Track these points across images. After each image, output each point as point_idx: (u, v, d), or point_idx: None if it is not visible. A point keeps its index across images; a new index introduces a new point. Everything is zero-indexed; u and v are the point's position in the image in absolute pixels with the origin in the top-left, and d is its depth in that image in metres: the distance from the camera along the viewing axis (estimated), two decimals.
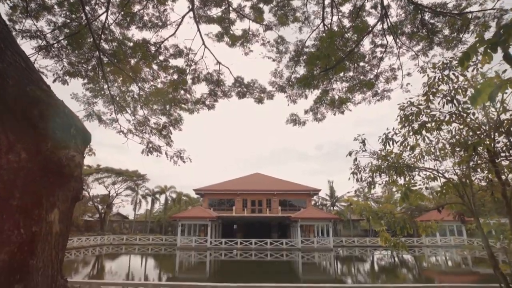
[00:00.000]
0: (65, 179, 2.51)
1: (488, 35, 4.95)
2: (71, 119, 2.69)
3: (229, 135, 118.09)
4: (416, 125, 5.52)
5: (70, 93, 6.15)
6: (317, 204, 53.68)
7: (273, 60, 8.38)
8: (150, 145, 7.11)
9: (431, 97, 5.59)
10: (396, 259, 29.37)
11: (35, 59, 5.22)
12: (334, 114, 7.12)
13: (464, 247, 35.91)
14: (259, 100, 9.02)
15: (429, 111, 5.67)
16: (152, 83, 6.88)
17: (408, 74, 6.84)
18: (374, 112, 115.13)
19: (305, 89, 6.95)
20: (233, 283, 8.90)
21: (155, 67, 8.10)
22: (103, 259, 28.30)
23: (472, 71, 4.94)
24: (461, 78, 5.01)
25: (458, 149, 5.50)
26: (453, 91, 5.15)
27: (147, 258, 29.51)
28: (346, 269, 23.68)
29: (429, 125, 5.40)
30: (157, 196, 56.08)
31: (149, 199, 55.22)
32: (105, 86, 6.22)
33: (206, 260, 27.50)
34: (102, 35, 6.04)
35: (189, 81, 8.77)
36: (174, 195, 57.32)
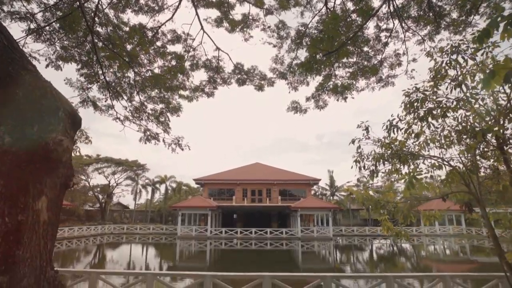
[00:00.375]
0: (53, 164, 2.36)
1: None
2: (59, 101, 2.52)
3: (229, 124, 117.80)
4: (421, 112, 5.34)
5: (63, 78, 5.93)
6: (317, 193, 53.86)
7: (274, 46, 8.14)
8: (148, 132, 6.94)
9: (438, 83, 5.41)
10: (395, 248, 29.58)
11: (25, 43, 5.02)
12: (338, 100, 6.92)
13: (463, 236, 36.17)
14: (259, 88, 8.81)
15: (435, 97, 5.50)
16: (148, 67, 6.65)
17: (414, 59, 6.63)
18: (375, 102, 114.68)
19: (307, 74, 6.74)
20: (232, 272, 8.87)
21: (152, 53, 7.87)
22: (104, 248, 28.48)
23: (482, 55, 4.74)
24: (470, 62, 4.81)
25: (464, 136, 5.35)
26: (460, 76, 4.96)
27: (148, 247, 29.71)
28: (345, 258, 23.84)
29: (435, 111, 5.23)
30: (157, 185, 56.24)
31: (149, 188, 55.39)
32: (100, 72, 6.01)
33: (206, 249, 27.68)
34: (96, 18, 5.80)
35: (188, 68, 8.56)
36: (174, 185, 57.49)
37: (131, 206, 57.53)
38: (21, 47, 2.99)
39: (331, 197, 53.64)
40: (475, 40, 4.54)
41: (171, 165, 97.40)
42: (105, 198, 49.28)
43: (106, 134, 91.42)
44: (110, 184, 50.02)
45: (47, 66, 5.53)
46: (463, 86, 4.74)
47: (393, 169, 6.22)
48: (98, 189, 49.87)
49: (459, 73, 4.98)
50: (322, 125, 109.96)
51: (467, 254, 25.89)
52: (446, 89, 4.99)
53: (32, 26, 5.11)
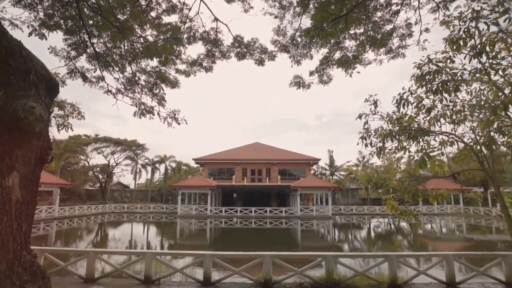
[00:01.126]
0: (25, 135, 2.04)
1: None
2: (30, 62, 2.17)
3: (228, 101, 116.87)
4: (434, 85, 4.99)
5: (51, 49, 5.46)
6: (317, 173, 54.08)
7: (275, 17, 7.63)
8: (142, 106, 6.57)
9: (453, 53, 5.03)
10: (393, 226, 29.92)
11: (3, 7, 4.56)
12: (346, 70, 6.51)
13: (461, 215, 36.56)
14: (260, 62, 8.38)
15: (448, 69, 5.12)
16: (141, 34, 6.15)
17: (426, 29, 6.17)
18: (375, 84, 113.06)
19: (311, 44, 6.31)
20: (232, 252, 8.80)
21: (146, 24, 7.37)
22: (105, 227, 28.74)
23: (505, 21, 4.33)
24: (492, 29, 4.39)
25: (478, 111, 5.04)
26: (479, 45, 4.56)
27: (149, 226, 30.00)
28: (344, 236, 24.09)
29: (449, 84, 4.87)
30: (157, 165, 56.36)
31: (149, 168, 55.54)
32: (88, 43, 5.55)
33: (207, 228, 27.94)
34: None
35: (184, 41, 8.09)
36: (173, 165, 57.60)
37: (131, 186, 57.89)
38: None
39: (331, 177, 53.88)
40: (501, 2, 4.15)
41: (170, 145, 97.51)
42: (105, 178, 49.42)
43: (107, 115, 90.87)
44: (110, 164, 50.04)
45: (30, 34, 5.08)
46: (483, 55, 4.34)
47: (399, 147, 5.95)
48: (98, 169, 49.95)
49: (477, 42, 4.58)
50: (322, 105, 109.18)
51: (465, 232, 26.19)
52: (465, 58, 4.61)
53: None
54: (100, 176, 49.85)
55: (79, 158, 48.01)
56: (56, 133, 48.28)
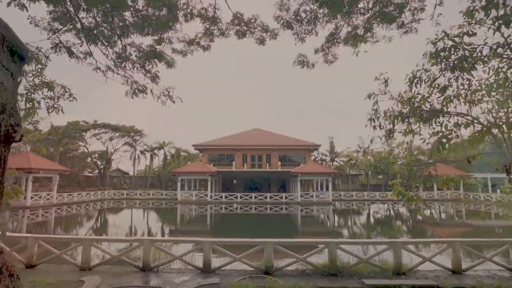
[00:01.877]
0: None
1: None
2: None
3: (228, 85, 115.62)
4: (451, 62, 4.60)
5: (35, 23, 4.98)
6: (317, 159, 53.89)
7: None
8: (135, 85, 6.18)
9: (470, 28, 4.63)
10: (393, 212, 29.96)
11: None
12: (354, 46, 6.10)
13: (460, 201, 36.62)
14: (261, 41, 7.94)
15: (465, 45, 4.73)
16: (131, 3, 5.66)
17: (441, 3, 5.73)
18: (375, 71, 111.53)
19: (318, 18, 5.88)
20: (233, 238, 8.59)
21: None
22: (105, 213, 28.70)
23: None
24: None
25: (497, 89, 4.68)
26: (504, 16, 4.16)
27: (149, 212, 29.98)
28: (344, 222, 24.10)
29: (467, 60, 4.49)
30: (156, 152, 56.02)
31: (148, 155, 55.24)
32: (74, 15, 5.10)
33: (207, 214, 27.92)
34: None
35: (181, 18, 7.63)
36: (173, 151, 57.27)
37: (130, 172, 57.77)
38: None
39: (331, 163, 53.75)
40: None
41: (169, 132, 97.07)
42: (104, 164, 49.22)
43: (107, 102, 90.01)
44: (108, 150, 49.75)
45: (8, 4, 4.62)
46: (510, 26, 3.93)
47: (408, 130, 5.62)
48: (96, 155, 49.70)
49: (501, 13, 4.17)
50: (322, 93, 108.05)
51: (464, 218, 26.22)
52: (488, 30, 4.21)
53: None
54: (99, 163, 49.66)
55: (77, 144, 47.69)
56: (53, 119, 47.73)
